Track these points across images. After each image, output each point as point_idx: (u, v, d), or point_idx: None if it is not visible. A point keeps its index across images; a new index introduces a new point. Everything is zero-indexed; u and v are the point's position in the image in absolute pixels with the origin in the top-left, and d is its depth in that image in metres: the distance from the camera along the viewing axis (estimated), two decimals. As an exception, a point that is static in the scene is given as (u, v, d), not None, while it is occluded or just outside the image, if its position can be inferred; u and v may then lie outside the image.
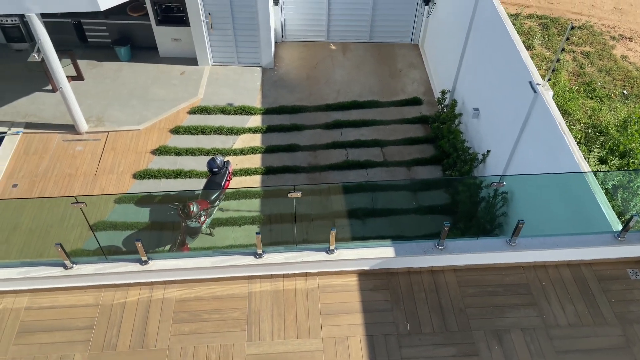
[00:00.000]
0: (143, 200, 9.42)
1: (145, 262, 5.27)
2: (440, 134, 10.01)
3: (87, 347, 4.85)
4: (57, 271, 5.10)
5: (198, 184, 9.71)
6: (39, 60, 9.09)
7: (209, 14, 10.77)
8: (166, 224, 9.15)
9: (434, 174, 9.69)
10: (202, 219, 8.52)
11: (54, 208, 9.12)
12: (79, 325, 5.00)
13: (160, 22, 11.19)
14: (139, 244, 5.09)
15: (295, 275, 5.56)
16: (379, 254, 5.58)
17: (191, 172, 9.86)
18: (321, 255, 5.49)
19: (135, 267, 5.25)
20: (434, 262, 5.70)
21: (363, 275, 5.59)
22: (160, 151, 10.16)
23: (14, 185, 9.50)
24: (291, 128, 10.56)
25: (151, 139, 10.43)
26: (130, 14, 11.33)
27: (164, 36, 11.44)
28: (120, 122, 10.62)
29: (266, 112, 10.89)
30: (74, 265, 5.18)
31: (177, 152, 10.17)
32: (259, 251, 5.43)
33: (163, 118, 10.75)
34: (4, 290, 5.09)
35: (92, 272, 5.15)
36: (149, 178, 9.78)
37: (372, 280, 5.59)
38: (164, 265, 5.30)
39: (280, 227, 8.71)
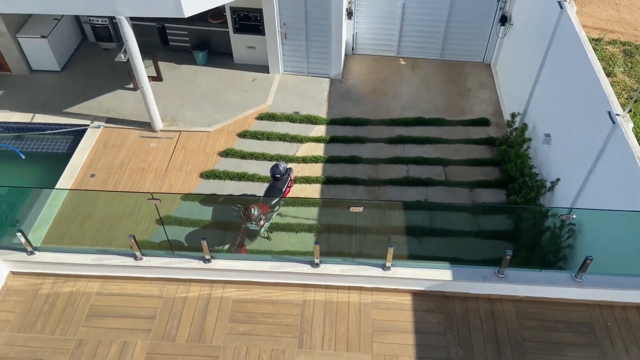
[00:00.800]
0: (207, 199, 9.82)
1: (208, 261, 5.50)
2: (507, 157, 9.73)
3: (148, 335, 5.13)
4: (128, 261, 5.44)
5: (260, 188, 9.98)
6: (125, 60, 9.72)
7: (284, 24, 11.10)
8: (227, 224, 9.48)
9: (497, 198, 9.44)
10: (262, 222, 8.76)
11: (126, 200, 9.70)
12: (143, 314, 5.30)
13: (237, 30, 11.67)
14: (204, 243, 5.33)
15: (349, 288, 5.61)
16: (435, 275, 5.53)
17: (254, 175, 10.15)
18: (377, 271, 5.51)
19: (199, 264, 5.50)
20: (492, 290, 5.56)
21: (417, 295, 5.55)
22: (227, 153, 10.54)
23: (92, 175, 10.17)
24: (354, 140, 10.65)
25: (219, 141, 10.86)
26: (210, 21, 11.89)
27: (240, 44, 11.90)
28: (192, 123, 11.13)
29: (331, 122, 11.04)
30: (144, 257, 5.50)
31: (243, 155, 10.51)
32: (316, 261, 5.53)
33: (232, 122, 11.16)
34: (79, 274, 5.49)
35: (159, 265, 5.45)
36: (214, 178, 10.17)
37: (426, 302, 5.53)
38: (224, 265, 5.52)
39: (337, 238, 8.78)
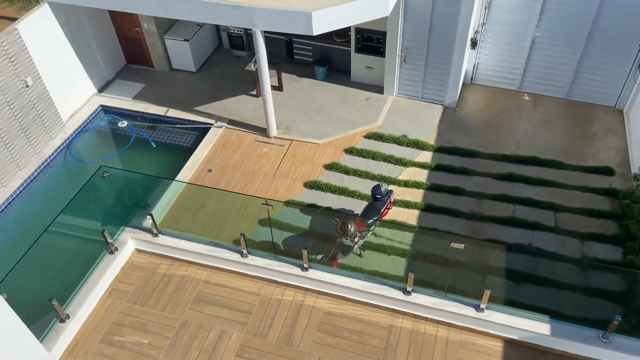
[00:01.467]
0: (308, 208, 10.21)
1: (306, 269, 5.79)
2: (630, 213, 8.97)
3: (243, 329, 5.52)
4: (235, 257, 5.90)
5: (358, 205, 10.17)
6: (254, 70, 10.47)
7: (406, 48, 11.26)
8: (323, 235, 9.78)
9: (611, 255, 8.73)
10: (356, 239, 8.92)
11: (235, 198, 10.40)
12: (241, 308, 5.71)
13: (358, 50, 12.05)
14: (305, 252, 5.62)
15: (438, 322, 5.57)
16: (532, 326, 5.31)
17: (355, 192, 10.37)
18: (470, 311, 5.42)
19: (297, 271, 5.80)
20: (594, 354, 5.22)
21: (510, 343, 5.36)
22: (331, 167, 10.89)
23: (209, 170, 11.05)
24: (460, 171, 10.46)
25: (327, 154, 11.25)
26: (334, 39, 12.41)
27: (359, 63, 12.27)
28: (304, 133, 11.65)
29: (438, 150, 10.95)
30: (249, 256, 5.94)
31: (346, 171, 10.79)
32: (409, 288, 5.58)
33: (341, 137, 11.52)
34: (192, 260, 6.05)
35: (261, 265, 5.85)
36: (317, 189, 10.55)
37: (519, 352, 5.33)
38: (320, 276, 5.76)
39: (431, 269, 8.68)
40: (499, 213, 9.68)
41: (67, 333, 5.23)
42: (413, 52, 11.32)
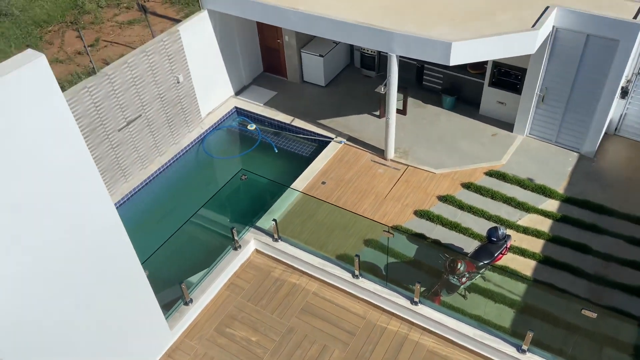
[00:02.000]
0: (415, 236, 10.04)
1: (416, 303, 5.71)
2: None
3: (345, 348, 5.58)
4: (346, 275, 5.99)
5: (468, 243, 9.80)
6: (383, 93, 10.60)
7: (545, 88, 10.69)
8: (427, 267, 9.55)
9: None
10: (464, 279, 8.59)
11: (343, 213, 10.57)
12: (345, 327, 5.78)
13: (492, 84, 11.68)
14: (417, 286, 5.54)
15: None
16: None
17: (467, 230, 10.01)
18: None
19: (406, 303, 5.74)
20: None
21: None
22: (445, 199, 10.62)
23: (323, 182, 11.35)
24: (589, 227, 9.65)
25: (442, 185, 11.01)
26: (468, 70, 12.16)
27: (491, 97, 11.88)
28: (422, 160, 11.52)
29: (567, 200, 10.21)
30: (360, 278, 6.00)
31: (461, 206, 10.46)
32: (524, 347, 5.26)
33: (460, 170, 11.21)
34: (305, 271, 6.26)
35: (371, 289, 5.87)
36: (427, 219, 10.35)
37: None
38: (429, 313, 5.64)
39: (546, 329, 8.07)
40: (628, 280, 8.77)
41: (188, 316, 5.66)
42: (553, 93, 10.71)
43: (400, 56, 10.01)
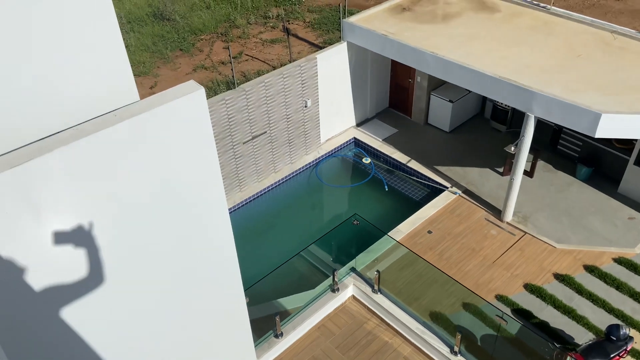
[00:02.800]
0: (520, 313, 9.20)
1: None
2: None
3: None
4: (444, 350, 5.61)
5: (581, 335, 8.78)
6: (513, 152, 9.97)
7: None
8: (527, 350, 8.71)
9: None
10: (570, 375, 7.68)
11: (445, 268, 10.04)
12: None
13: (639, 163, 10.47)
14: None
15: None
16: None
17: (582, 319, 8.99)
18: None
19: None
20: None
21: None
22: (563, 279, 9.66)
23: (429, 232, 10.92)
24: None
25: (561, 262, 10.04)
26: (614, 143, 11.05)
27: (635, 177, 10.66)
28: (542, 230, 10.63)
29: None
30: (459, 355, 5.58)
31: (580, 290, 9.44)
32: None
33: (584, 250, 10.15)
34: (400, 332, 5.98)
35: (468, 370, 5.43)
36: (537, 296, 9.48)
37: None
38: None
39: None
40: None
41: (277, 349, 5.66)
42: None
43: (536, 118, 9.38)
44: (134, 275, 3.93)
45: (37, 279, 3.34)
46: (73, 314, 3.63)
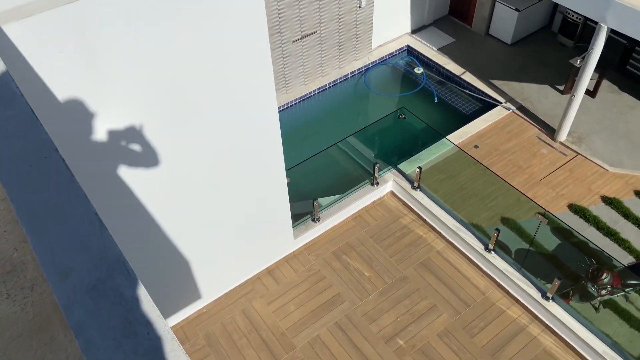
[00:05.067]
0: (560, 230, 9.09)
1: (547, 299, 5.22)
2: None
3: (455, 315, 5.38)
4: (479, 247, 5.66)
5: (621, 257, 8.63)
6: (578, 66, 9.32)
7: None
8: (564, 266, 8.69)
9: None
10: (603, 292, 7.67)
11: (489, 183, 9.89)
12: (461, 295, 5.54)
13: None
14: (556, 282, 5.03)
15: None
16: None
17: (624, 241, 8.79)
18: None
19: (537, 295, 5.28)
20: None
21: None
22: (610, 202, 9.35)
23: (476, 146, 10.65)
24: None
25: (611, 186, 9.66)
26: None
27: None
28: (596, 152, 10.16)
29: None
30: (492, 253, 5.62)
31: (627, 214, 9.14)
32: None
33: (637, 175, 9.70)
34: (435, 227, 6.05)
35: (501, 268, 5.49)
36: (580, 217, 9.27)
37: None
38: (560, 314, 5.14)
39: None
40: None
41: (312, 232, 5.88)
42: None
43: (611, 29, 8.60)
44: (186, 144, 4.09)
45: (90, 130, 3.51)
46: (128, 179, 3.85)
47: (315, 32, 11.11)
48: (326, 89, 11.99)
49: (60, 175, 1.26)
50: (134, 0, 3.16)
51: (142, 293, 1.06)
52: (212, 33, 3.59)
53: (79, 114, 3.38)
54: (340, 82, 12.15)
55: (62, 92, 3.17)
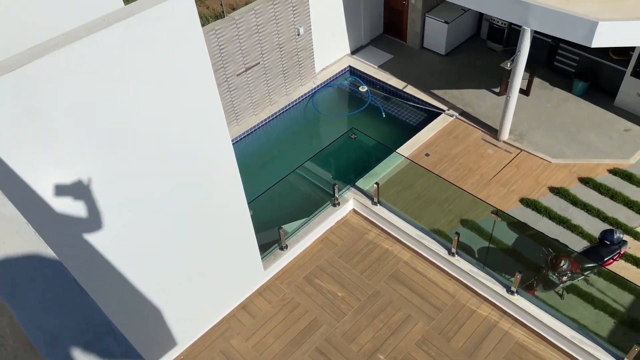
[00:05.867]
0: (515, 225, 9.50)
1: (512, 293, 5.46)
2: None
3: (430, 322, 5.52)
4: (442, 251, 5.86)
5: (575, 242, 9.12)
6: (509, 68, 9.91)
7: (703, 86, 9.33)
8: (524, 260, 9.06)
9: None
10: (565, 278, 8.05)
11: (443, 188, 10.25)
12: (432, 302, 5.70)
13: (636, 74, 10.42)
14: (517, 276, 5.28)
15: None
16: None
17: (576, 227, 9.30)
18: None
19: (502, 291, 5.51)
20: None
21: None
22: (558, 191, 9.90)
23: (427, 155, 11.06)
24: None
25: (556, 176, 10.23)
26: (610, 55, 10.93)
27: (631, 88, 10.64)
28: (537, 146, 10.76)
29: (703, 215, 9.03)
30: (456, 256, 5.83)
31: (575, 201, 9.69)
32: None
33: (579, 163, 10.32)
34: (399, 239, 6.22)
35: (466, 269, 5.70)
36: (533, 209, 9.75)
37: None
38: (525, 306, 5.38)
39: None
40: None
41: (282, 260, 5.93)
42: None
43: (534, 31, 9.24)
44: (143, 191, 4.08)
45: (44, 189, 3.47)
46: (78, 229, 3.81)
47: (259, 63, 11.31)
48: (277, 116, 12.16)
49: (34, 245, 1.30)
50: (77, 56, 3.19)
51: (133, 351, 1.11)
52: (156, 78, 3.66)
53: (29, 176, 3.34)
54: (290, 108, 12.36)
55: (6, 152, 3.14)
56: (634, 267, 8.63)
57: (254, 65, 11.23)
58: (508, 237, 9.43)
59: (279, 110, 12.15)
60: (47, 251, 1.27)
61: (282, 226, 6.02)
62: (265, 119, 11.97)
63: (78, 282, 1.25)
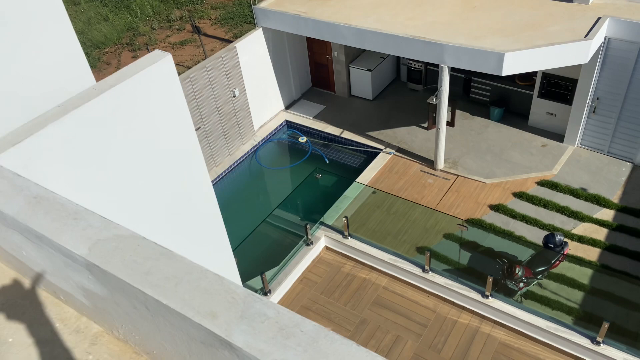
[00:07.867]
0: (469, 244, 10.12)
1: (487, 297, 5.85)
2: None
3: (418, 339, 5.75)
4: (416, 270, 6.19)
5: (521, 252, 9.82)
6: (434, 103, 10.88)
7: (597, 98, 10.78)
8: (480, 275, 9.61)
9: None
10: (521, 285, 8.63)
11: (396, 221, 10.73)
12: (416, 320, 5.95)
13: (542, 95, 11.83)
14: (489, 280, 5.70)
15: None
16: None
17: (520, 238, 10.06)
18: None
19: (477, 297, 5.89)
20: None
21: None
22: (497, 208, 10.71)
23: (374, 192, 11.59)
24: (647, 235, 9.57)
25: (493, 194, 11.11)
26: (517, 82, 12.35)
27: (540, 108, 12.01)
28: (471, 171, 11.67)
29: (623, 210, 10.17)
30: (430, 272, 6.19)
31: (513, 215, 10.53)
32: (599, 339, 5.32)
33: (510, 180, 11.30)
34: (375, 266, 6.50)
35: (441, 283, 6.05)
36: (479, 227, 10.43)
37: None
38: (501, 307, 5.77)
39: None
40: (692, 288, 8.63)
41: (266, 306, 5.95)
42: (605, 103, 10.79)
43: (450, 68, 10.29)
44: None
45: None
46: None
47: (199, 127, 11.52)
48: (223, 176, 12.27)
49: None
50: (72, 126, 3.29)
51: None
52: (142, 132, 3.78)
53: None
54: (235, 167, 12.54)
55: None
56: (578, 266, 9.42)
57: (195, 130, 11.41)
58: (462, 257, 9.99)
59: (225, 171, 12.30)
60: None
61: (264, 273, 6.09)
62: (212, 181, 12.02)
63: None
